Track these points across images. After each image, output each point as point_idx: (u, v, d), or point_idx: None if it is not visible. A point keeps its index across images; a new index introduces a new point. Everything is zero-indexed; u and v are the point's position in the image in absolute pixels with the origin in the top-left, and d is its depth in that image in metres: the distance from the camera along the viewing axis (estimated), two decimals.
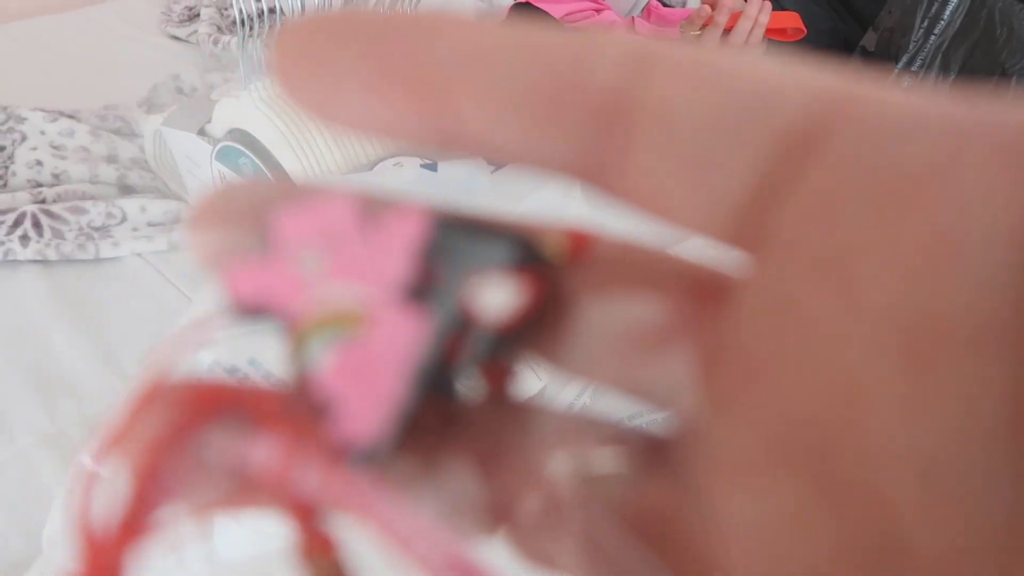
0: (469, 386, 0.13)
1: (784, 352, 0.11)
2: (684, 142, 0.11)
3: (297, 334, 0.12)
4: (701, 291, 0.13)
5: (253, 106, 0.62)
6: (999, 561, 0.10)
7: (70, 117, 0.81)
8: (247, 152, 0.63)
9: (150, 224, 0.74)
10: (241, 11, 0.59)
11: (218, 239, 0.13)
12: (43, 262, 0.69)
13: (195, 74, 0.97)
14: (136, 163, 0.80)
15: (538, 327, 0.13)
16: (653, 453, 0.14)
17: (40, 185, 0.76)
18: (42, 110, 0.81)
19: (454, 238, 0.12)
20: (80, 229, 0.71)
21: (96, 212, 0.72)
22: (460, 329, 0.12)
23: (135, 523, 0.11)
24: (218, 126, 0.67)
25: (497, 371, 0.13)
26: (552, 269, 0.13)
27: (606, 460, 0.13)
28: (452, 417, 0.13)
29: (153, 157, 0.77)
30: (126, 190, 0.78)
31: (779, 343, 0.11)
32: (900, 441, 0.10)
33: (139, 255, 0.71)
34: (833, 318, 0.11)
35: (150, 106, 0.89)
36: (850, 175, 0.11)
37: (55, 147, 0.78)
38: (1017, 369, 0.09)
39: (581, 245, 0.13)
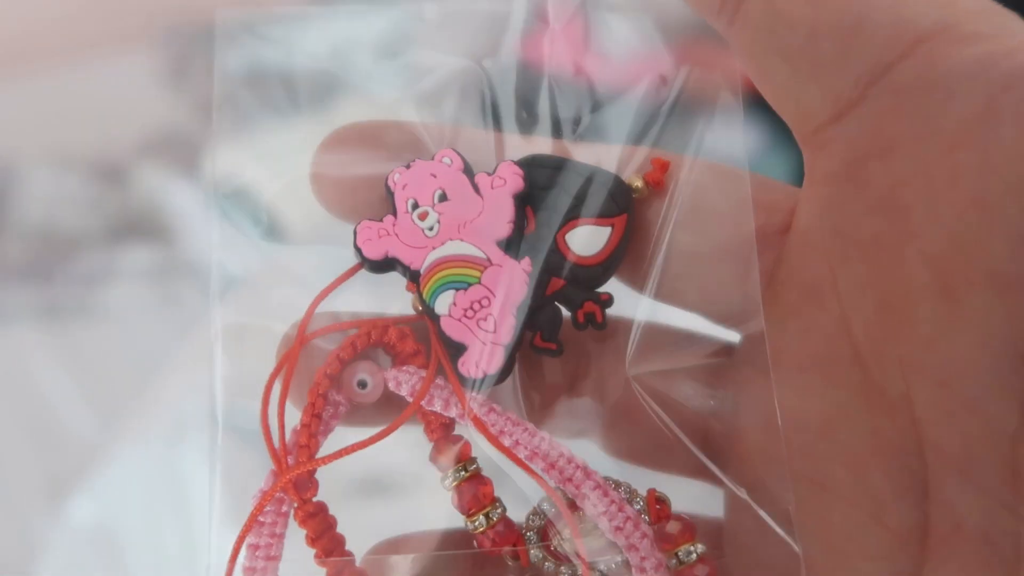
0: (564, 317, 0.15)
1: (835, 275, 0.13)
2: (782, 46, 0.13)
3: (421, 284, 0.14)
4: (768, 216, 0.15)
5: (250, 158, 0.63)
6: (1006, 459, 0.12)
7: (65, 165, 0.82)
8: (243, 204, 0.64)
9: (141, 273, 0.74)
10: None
11: (348, 195, 0.16)
12: (34, 310, 0.69)
13: (191, 125, 0.98)
14: (129, 212, 0.80)
15: (624, 255, 0.15)
16: (717, 368, 0.16)
17: (33, 233, 0.76)
18: (37, 158, 0.81)
19: (549, 184, 0.14)
20: (71, 278, 0.71)
21: (87, 261, 0.72)
22: (557, 269, 0.14)
23: (308, 444, 0.14)
24: (215, 177, 0.68)
25: (587, 302, 0.15)
26: (636, 200, 0.15)
27: (678, 374, 0.16)
28: (550, 343, 0.15)
29: (146, 206, 0.78)
30: (118, 239, 0.78)
31: (832, 266, 0.13)
32: (929, 356, 0.12)
33: (130, 304, 0.71)
34: (885, 243, 0.12)
35: (144, 155, 0.90)
36: (903, 111, 0.12)
37: (49, 195, 0.79)
38: None
39: (660, 173, 0.15)
